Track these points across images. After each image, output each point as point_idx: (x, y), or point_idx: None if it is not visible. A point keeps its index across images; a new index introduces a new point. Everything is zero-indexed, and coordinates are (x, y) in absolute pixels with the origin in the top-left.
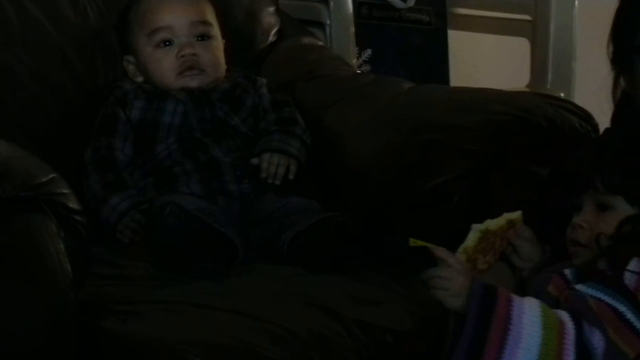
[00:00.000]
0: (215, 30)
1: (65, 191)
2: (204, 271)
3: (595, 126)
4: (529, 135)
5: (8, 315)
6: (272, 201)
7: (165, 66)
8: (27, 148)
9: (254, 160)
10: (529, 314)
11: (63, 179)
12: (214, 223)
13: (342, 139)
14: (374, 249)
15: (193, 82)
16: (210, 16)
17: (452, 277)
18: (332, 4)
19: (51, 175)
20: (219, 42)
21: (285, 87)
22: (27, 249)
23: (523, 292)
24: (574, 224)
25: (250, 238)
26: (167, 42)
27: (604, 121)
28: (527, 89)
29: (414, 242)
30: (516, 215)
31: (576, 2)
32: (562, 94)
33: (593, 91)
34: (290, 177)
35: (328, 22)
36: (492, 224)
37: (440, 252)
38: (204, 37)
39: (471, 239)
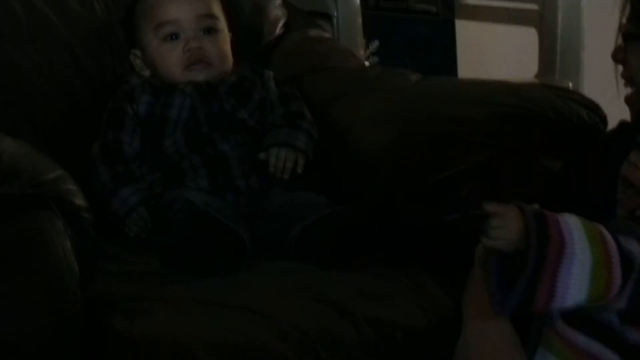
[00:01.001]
0: (222, 24)
1: (72, 188)
2: (213, 267)
3: (603, 117)
4: (537, 127)
5: (14, 313)
6: (279, 196)
7: (171, 60)
8: (35, 144)
9: (262, 155)
10: (576, 230)
11: (70, 176)
12: (222, 218)
13: (350, 131)
14: (385, 240)
15: (200, 76)
16: (217, 9)
17: (506, 226)
18: None
19: (58, 172)
20: (225, 35)
21: (293, 79)
22: (34, 247)
23: None
24: (630, 161)
25: (258, 233)
26: (174, 36)
27: (611, 111)
28: (535, 79)
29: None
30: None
31: None
32: (570, 84)
33: (601, 81)
34: (299, 171)
35: (335, 13)
36: None
37: (491, 206)
38: (211, 31)
39: None
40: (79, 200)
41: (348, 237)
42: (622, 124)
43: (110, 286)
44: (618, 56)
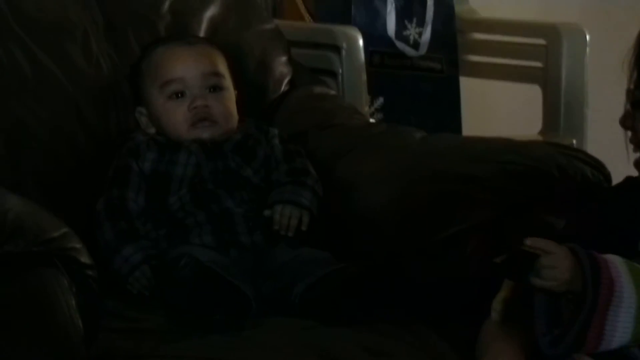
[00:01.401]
0: (227, 82)
1: (77, 246)
2: (217, 324)
3: (607, 175)
4: (542, 185)
5: None
6: (283, 253)
7: (177, 118)
8: (40, 200)
9: (267, 212)
10: (624, 273)
11: (75, 234)
12: (227, 275)
13: (355, 188)
14: (390, 298)
15: (205, 134)
16: (222, 67)
17: (558, 266)
18: (344, 52)
19: (63, 230)
20: (230, 94)
21: (298, 136)
22: (39, 305)
23: None
24: None
25: (263, 290)
26: (179, 94)
27: (617, 169)
28: (539, 136)
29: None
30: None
31: (587, 49)
32: (574, 141)
33: (605, 139)
34: (303, 228)
35: (340, 70)
36: None
37: (539, 242)
38: (216, 89)
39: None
40: (84, 258)
41: (352, 295)
42: (629, 179)
43: (114, 343)
44: (627, 123)
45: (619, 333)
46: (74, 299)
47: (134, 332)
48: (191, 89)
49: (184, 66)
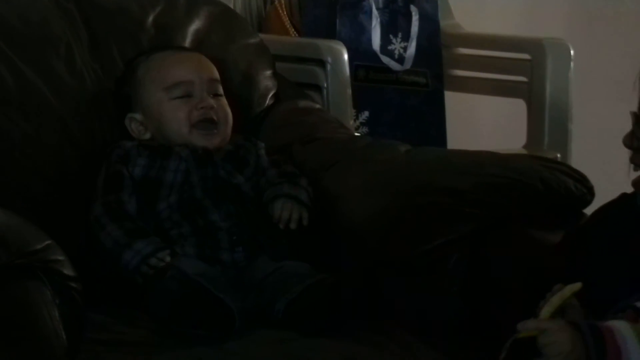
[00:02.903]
0: (222, 90)
1: (60, 258)
2: (201, 337)
3: (590, 188)
4: (525, 198)
5: None
6: (265, 266)
7: (181, 115)
8: (23, 212)
9: (275, 213)
10: (630, 339)
11: (58, 246)
12: (213, 289)
13: (339, 201)
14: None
15: (206, 142)
16: (219, 75)
17: (557, 340)
18: (329, 67)
19: (46, 242)
20: (226, 101)
21: (283, 149)
22: (22, 317)
23: None
24: None
25: (245, 304)
26: (186, 96)
27: (600, 183)
28: (524, 150)
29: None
30: (577, 286)
31: (572, 64)
32: (558, 155)
33: (589, 152)
34: (305, 223)
35: (325, 84)
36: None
37: (531, 323)
38: (217, 95)
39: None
40: (67, 270)
41: (332, 307)
42: (624, 197)
43: (99, 356)
44: (634, 143)
45: None
46: (57, 310)
47: (119, 345)
48: (197, 92)
49: (192, 70)
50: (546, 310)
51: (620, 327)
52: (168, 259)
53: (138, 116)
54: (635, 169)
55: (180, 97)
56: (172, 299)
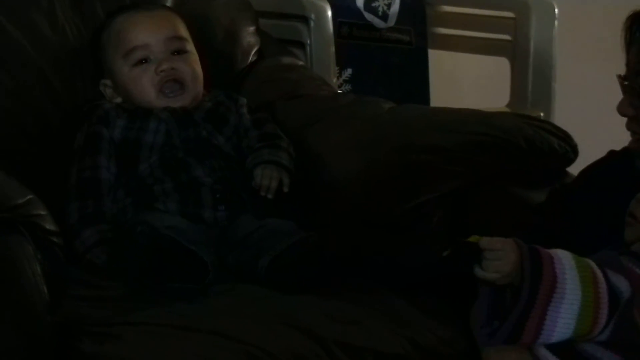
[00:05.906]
0: (190, 45)
1: (42, 212)
2: (182, 291)
3: (574, 147)
4: (508, 156)
5: None
6: (248, 223)
7: (144, 83)
8: (4, 167)
9: (254, 184)
10: (569, 269)
11: (40, 201)
12: (184, 241)
13: (322, 158)
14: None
15: (176, 103)
16: (184, 31)
17: (500, 258)
18: (312, 23)
19: (28, 197)
20: (195, 57)
21: (266, 106)
22: (3, 271)
23: None
24: (638, 198)
25: (228, 261)
26: (144, 60)
27: (583, 141)
28: (507, 109)
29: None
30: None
31: (555, 23)
32: (541, 114)
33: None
34: (285, 189)
35: (308, 41)
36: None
37: (484, 242)
38: (180, 52)
39: None
40: (49, 225)
41: (316, 264)
42: (612, 154)
43: (80, 311)
44: (629, 111)
45: (559, 327)
46: (39, 265)
47: (99, 300)
48: (156, 54)
49: (146, 32)
50: None
51: (562, 256)
52: (103, 258)
53: (108, 82)
54: (633, 136)
55: (140, 64)
56: (142, 254)
